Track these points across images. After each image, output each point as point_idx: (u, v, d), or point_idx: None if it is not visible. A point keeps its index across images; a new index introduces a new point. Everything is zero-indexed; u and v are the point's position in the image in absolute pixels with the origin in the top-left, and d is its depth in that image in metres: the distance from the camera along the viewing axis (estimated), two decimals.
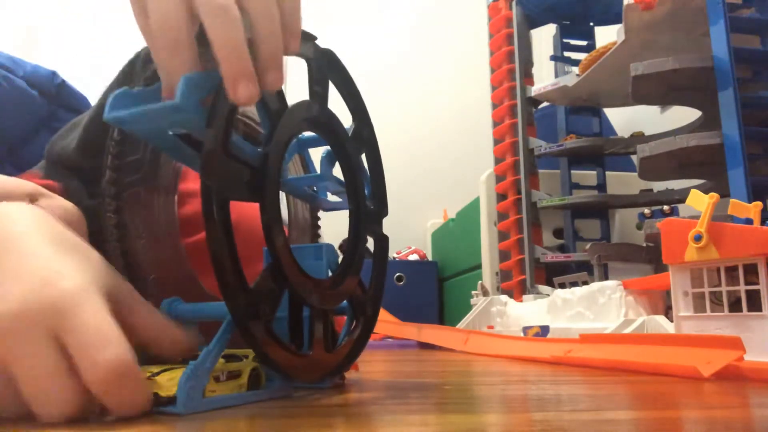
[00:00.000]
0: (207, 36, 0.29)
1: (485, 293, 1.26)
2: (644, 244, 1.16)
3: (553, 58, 1.52)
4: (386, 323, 1.39)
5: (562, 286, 1.19)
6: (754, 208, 0.60)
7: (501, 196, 1.47)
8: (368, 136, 0.44)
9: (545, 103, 1.51)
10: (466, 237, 1.80)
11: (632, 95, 1.05)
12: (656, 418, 0.31)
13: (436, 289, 2.09)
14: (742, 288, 0.55)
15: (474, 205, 1.71)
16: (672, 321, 0.65)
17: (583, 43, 1.49)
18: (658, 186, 1.28)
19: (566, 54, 1.49)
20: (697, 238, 0.58)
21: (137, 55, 0.38)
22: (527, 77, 1.43)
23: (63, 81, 0.64)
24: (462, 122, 2.47)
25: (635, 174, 1.11)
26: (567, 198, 1.33)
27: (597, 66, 1.19)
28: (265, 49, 0.30)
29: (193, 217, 0.44)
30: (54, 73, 0.63)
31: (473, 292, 1.30)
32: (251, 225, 0.36)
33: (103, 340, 0.26)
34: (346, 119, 0.42)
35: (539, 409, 0.33)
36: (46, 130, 0.61)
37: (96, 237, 0.35)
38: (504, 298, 1.17)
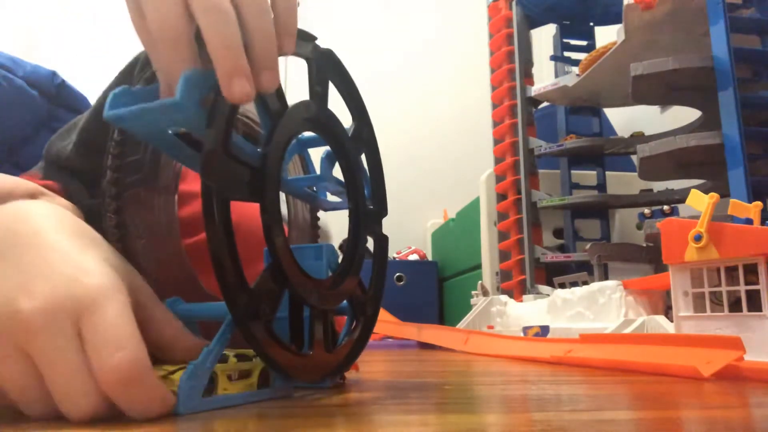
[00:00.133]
0: (202, 35, 0.29)
1: (485, 293, 1.26)
2: (644, 244, 1.16)
3: (553, 58, 1.52)
4: (386, 323, 1.39)
5: (562, 286, 1.19)
6: (754, 208, 0.60)
7: (501, 196, 1.47)
8: (368, 136, 0.44)
9: (545, 103, 1.51)
10: (466, 237, 1.80)
11: (632, 95, 1.05)
12: (656, 418, 0.31)
13: (436, 289, 2.09)
14: (742, 288, 0.55)
15: (474, 205, 1.71)
16: (672, 321, 0.65)
17: (583, 43, 1.49)
18: (658, 186, 1.28)
19: (566, 54, 1.49)
20: (697, 238, 0.58)
21: (136, 58, 0.38)
22: (527, 77, 1.43)
23: (63, 81, 0.64)
24: (462, 122, 2.47)
25: (635, 174, 1.11)
26: (567, 198, 1.33)
27: (597, 66, 1.19)
28: (259, 49, 0.30)
29: (194, 218, 0.44)
30: (54, 73, 0.63)
31: (473, 292, 1.30)
32: (252, 225, 0.36)
33: (117, 342, 0.26)
34: (346, 119, 0.42)
35: (539, 409, 0.33)
36: (46, 130, 0.61)
37: None
38: (504, 298, 1.17)
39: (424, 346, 1.22)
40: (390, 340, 1.43)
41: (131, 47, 0.39)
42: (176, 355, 0.32)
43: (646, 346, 0.59)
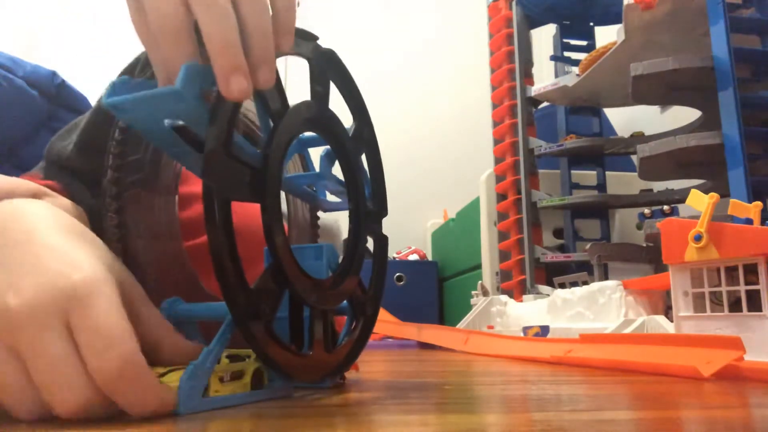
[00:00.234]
0: (200, 31, 0.29)
1: (485, 293, 1.26)
2: (644, 244, 1.16)
3: (553, 58, 1.52)
4: (386, 323, 1.39)
5: (562, 286, 1.19)
6: (754, 208, 0.60)
7: (501, 196, 1.47)
8: (368, 136, 0.44)
9: (545, 103, 1.51)
10: (466, 237, 1.80)
11: (632, 95, 1.05)
12: (656, 418, 0.31)
13: (436, 289, 2.09)
14: (742, 288, 0.55)
15: (474, 205, 1.71)
16: (672, 321, 0.65)
17: (583, 43, 1.49)
18: (658, 186, 1.28)
19: (566, 54, 1.49)
20: (697, 238, 0.58)
21: (137, 59, 0.38)
22: (527, 77, 1.43)
23: (63, 81, 0.64)
24: (462, 122, 2.47)
25: (635, 174, 1.11)
26: (567, 198, 1.33)
27: (597, 66, 1.19)
28: (257, 46, 0.30)
29: (196, 220, 0.44)
30: (54, 73, 0.63)
31: (473, 292, 1.30)
32: (253, 227, 0.36)
33: (110, 339, 0.26)
34: (346, 119, 0.42)
35: (539, 409, 0.33)
36: (46, 130, 0.61)
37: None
38: (504, 298, 1.17)
39: (424, 346, 1.22)
40: (390, 340, 1.43)
41: (131, 47, 0.39)
42: (163, 357, 0.31)
43: (646, 346, 0.59)
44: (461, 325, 1.21)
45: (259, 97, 0.34)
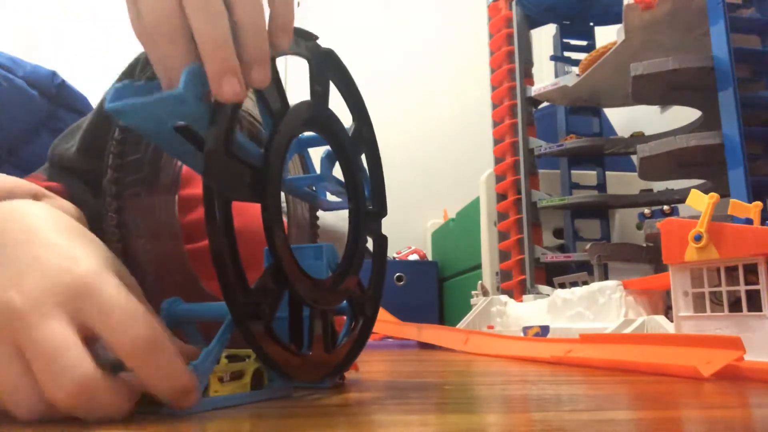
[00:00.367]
0: (193, 33, 0.29)
1: (485, 293, 1.26)
2: (644, 244, 1.16)
3: (553, 58, 1.52)
4: (386, 323, 1.39)
5: (562, 286, 1.19)
6: (754, 208, 0.60)
7: (501, 196, 1.47)
8: (368, 135, 0.44)
9: (545, 103, 1.51)
10: (466, 237, 1.80)
11: (632, 95, 1.05)
12: (656, 418, 0.31)
13: (436, 289, 2.09)
14: (742, 288, 0.55)
15: (474, 205, 1.71)
16: (672, 321, 0.65)
17: (583, 43, 1.49)
18: (658, 186, 1.28)
19: (566, 54, 1.49)
20: (697, 238, 0.58)
21: (137, 59, 0.38)
22: (527, 77, 1.43)
23: (63, 81, 0.64)
24: (462, 122, 2.47)
25: (635, 174, 1.11)
26: (567, 198, 1.33)
27: (597, 66, 1.19)
28: (250, 45, 0.30)
29: (199, 223, 0.44)
30: (54, 73, 0.63)
31: (473, 292, 1.30)
32: (255, 228, 0.36)
33: (130, 317, 0.26)
34: (346, 119, 0.42)
35: (539, 409, 0.33)
36: (46, 130, 0.61)
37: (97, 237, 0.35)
38: (504, 298, 1.17)
39: (424, 346, 1.22)
40: (390, 340, 1.43)
41: (131, 47, 0.39)
42: None
43: (646, 346, 0.59)
44: (461, 325, 1.21)
45: (261, 98, 0.34)
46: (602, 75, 1.22)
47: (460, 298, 1.73)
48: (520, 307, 1.11)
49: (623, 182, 1.42)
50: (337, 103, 0.41)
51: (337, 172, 0.43)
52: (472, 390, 0.45)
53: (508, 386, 0.46)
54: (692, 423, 0.29)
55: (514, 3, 1.45)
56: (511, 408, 0.34)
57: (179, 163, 0.41)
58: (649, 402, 0.37)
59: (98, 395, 0.25)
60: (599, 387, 0.44)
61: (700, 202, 0.59)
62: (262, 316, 0.31)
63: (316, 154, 0.44)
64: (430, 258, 2.28)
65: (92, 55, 2.14)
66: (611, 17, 1.41)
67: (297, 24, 0.36)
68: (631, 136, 1.34)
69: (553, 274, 1.29)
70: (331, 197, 0.46)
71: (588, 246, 1.19)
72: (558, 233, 1.48)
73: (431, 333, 1.20)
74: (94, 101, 0.42)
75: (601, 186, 1.41)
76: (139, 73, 0.37)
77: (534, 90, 1.39)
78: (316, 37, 0.39)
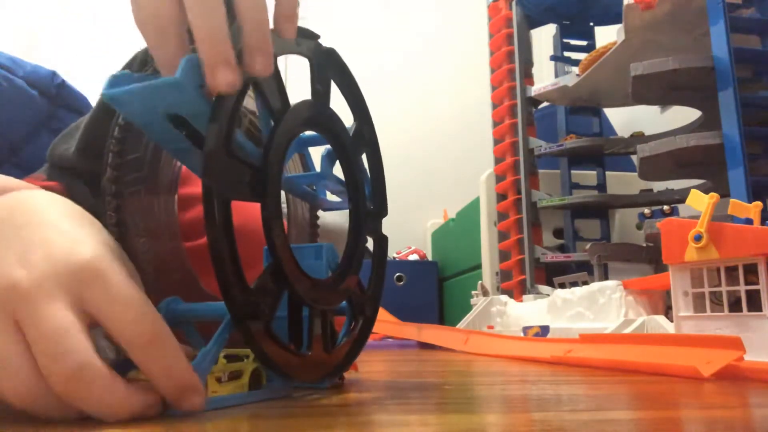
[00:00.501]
0: (189, 24, 0.29)
1: (485, 293, 1.26)
2: (644, 244, 1.16)
3: (553, 58, 1.52)
4: (386, 323, 1.39)
5: (562, 286, 1.19)
6: (754, 208, 0.60)
7: (501, 196, 1.47)
8: (369, 135, 0.44)
9: (545, 103, 1.51)
10: (466, 237, 1.80)
11: (632, 95, 1.05)
12: (656, 418, 0.31)
13: (436, 289, 2.09)
14: (742, 288, 0.55)
15: (474, 205, 1.71)
16: (672, 321, 0.65)
17: (583, 43, 1.49)
18: (658, 186, 1.28)
19: (566, 54, 1.49)
20: (697, 238, 0.58)
21: (134, 57, 0.38)
22: (527, 77, 1.43)
23: (63, 81, 0.64)
24: (462, 122, 2.47)
25: (635, 174, 1.11)
26: (567, 198, 1.33)
27: (597, 66, 1.19)
28: (251, 34, 0.30)
29: (196, 222, 0.44)
30: (54, 73, 0.63)
31: (473, 292, 1.30)
32: (255, 228, 0.36)
33: (134, 307, 0.26)
34: (347, 118, 0.42)
35: (539, 409, 0.33)
36: (46, 131, 0.61)
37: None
38: (504, 298, 1.17)
39: (424, 346, 1.22)
40: (390, 340, 1.43)
41: (131, 47, 0.39)
42: None
43: (646, 346, 0.59)
44: (461, 325, 1.21)
45: (260, 95, 0.34)
46: (602, 75, 1.22)
47: (460, 298, 1.73)
48: (520, 307, 1.11)
49: (623, 182, 1.42)
50: (338, 103, 0.41)
51: (338, 171, 0.43)
52: (472, 390, 0.45)
53: (508, 386, 0.46)
54: (692, 423, 0.29)
55: (514, 3, 1.45)
56: (511, 408, 0.34)
57: (179, 162, 0.41)
58: (649, 402, 0.37)
59: (94, 384, 0.25)
60: (599, 387, 0.44)
61: (700, 202, 0.59)
62: (262, 315, 0.31)
63: (317, 153, 0.44)
64: (430, 258, 2.28)
65: (92, 55, 2.14)
66: (611, 17, 1.41)
67: (297, 23, 0.36)
68: (631, 136, 1.34)
69: (553, 274, 1.29)
70: (331, 197, 0.46)
71: (588, 246, 1.19)
72: (558, 233, 1.48)
73: (431, 333, 1.20)
74: (94, 101, 0.42)
75: (601, 186, 1.41)
76: (136, 71, 0.37)
77: (534, 90, 1.39)
78: (318, 36, 0.39)
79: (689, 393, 0.41)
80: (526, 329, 0.97)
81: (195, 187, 0.45)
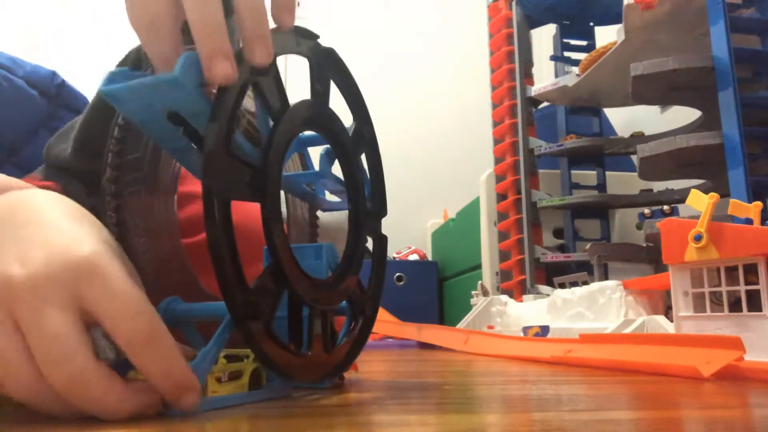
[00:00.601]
0: (187, 18, 0.29)
1: (485, 293, 1.26)
2: (644, 244, 1.16)
3: (553, 58, 1.52)
4: (386, 323, 1.39)
5: (562, 286, 1.19)
6: (754, 208, 0.60)
7: (501, 196, 1.47)
8: (369, 135, 0.44)
9: (545, 103, 1.51)
10: (466, 237, 1.80)
11: (632, 95, 1.05)
12: (656, 418, 0.31)
13: (436, 289, 2.09)
14: (742, 288, 0.55)
15: (474, 205, 1.71)
16: (672, 321, 0.65)
17: (583, 43, 1.49)
18: (658, 186, 1.28)
19: (566, 54, 1.49)
20: (697, 238, 0.58)
21: (127, 56, 0.38)
22: (527, 77, 1.43)
23: (63, 81, 0.63)
24: (462, 122, 2.47)
25: (635, 174, 1.11)
26: (567, 198, 1.33)
27: (597, 66, 1.19)
28: (249, 25, 0.30)
29: (192, 219, 0.44)
30: (54, 73, 0.63)
31: (473, 292, 1.30)
32: (252, 225, 0.35)
33: (132, 306, 0.26)
34: (346, 118, 0.42)
35: (539, 409, 0.33)
36: (46, 130, 0.61)
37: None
38: (504, 298, 1.17)
39: (424, 346, 1.22)
40: (390, 340, 1.43)
41: (131, 47, 0.39)
42: None
43: (646, 346, 0.59)
44: (461, 325, 1.21)
45: (260, 96, 0.34)
46: (602, 75, 1.22)
47: (460, 298, 1.73)
48: (520, 307, 1.11)
49: (623, 182, 1.42)
50: (337, 103, 0.41)
51: (337, 171, 0.43)
52: (472, 390, 0.45)
53: (508, 386, 0.46)
54: (692, 423, 0.29)
55: (514, 3, 1.45)
56: (511, 408, 0.34)
57: (177, 161, 0.40)
58: (649, 402, 0.37)
59: (91, 388, 0.25)
60: (599, 387, 0.44)
61: (700, 202, 0.59)
62: (262, 315, 0.31)
63: (316, 153, 0.44)
64: (430, 258, 2.28)
65: (92, 55, 2.14)
66: (611, 17, 1.41)
67: (297, 24, 0.36)
68: (631, 136, 1.34)
69: (553, 274, 1.29)
70: (330, 197, 0.46)
71: (588, 246, 1.19)
72: (558, 233, 1.48)
73: (431, 333, 1.20)
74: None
75: (601, 186, 1.41)
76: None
77: (534, 90, 1.39)
78: (317, 36, 0.39)
79: (689, 393, 0.41)
80: (526, 329, 0.97)
81: (192, 185, 0.45)
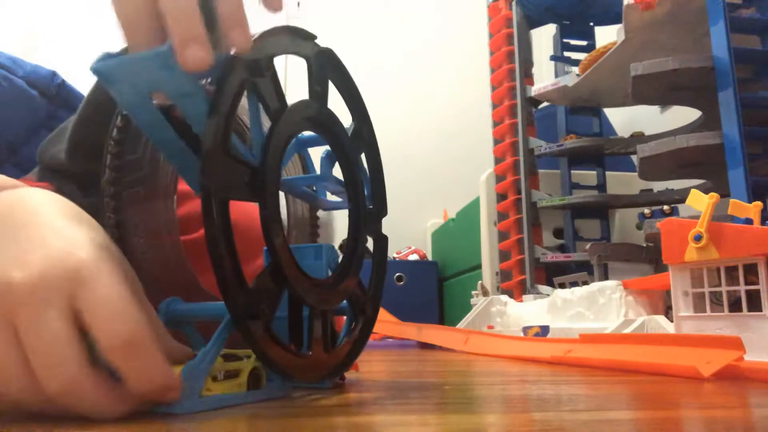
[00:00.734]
0: (159, 6, 0.29)
1: (485, 293, 1.26)
2: (644, 244, 1.16)
3: (553, 58, 1.52)
4: (386, 323, 1.39)
5: (562, 286, 1.19)
6: (754, 208, 0.60)
7: (501, 196, 1.47)
8: (368, 135, 0.44)
9: (545, 103, 1.51)
10: (466, 237, 1.80)
11: (632, 95, 1.05)
12: (656, 418, 0.31)
13: (436, 289, 2.09)
14: (742, 288, 0.55)
15: (474, 205, 1.71)
16: (672, 321, 0.65)
17: (583, 43, 1.49)
18: (658, 186, 1.28)
19: (566, 54, 1.49)
20: (697, 238, 0.58)
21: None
22: (527, 77, 1.43)
23: (63, 81, 0.63)
24: (462, 122, 2.47)
25: (635, 174, 1.11)
26: (567, 198, 1.33)
27: (597, 66, 1.19)
28: (224, 11, 0.30)
29: (190, 216, 0.44)
30: (54, 73, 0.63)
31: (473, 292, 1.30)
32: (250, 222, 0.35)
33: (116, 313, 0.26)
34: (345, 118, 0.42)
35: (539, 409, 0.33)
36: (46, 130, 0.61)
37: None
38: (504, 298, 1.17)
39: (424, 346, 1.22)
40: (390, 340, 1.43)
41: None
42: None
43: (646, 346, 0.59)
44: (461, 325, 1.21)
45: (258, 96, 0.34)
46: (602, 75, 1.22)
47: (460, 298, 1.73)
48: (520, 307, 1.11)
49: (623, 182, 1.42)
50: (336, 103, 0.41)
51: (337, 171, 0.43)
52: (472, 390, 0.45)
53: (508, 386, 0.46)
54: (692, 423, 0.29)
55: (514, 3, 1.45)
56: (511, 408, 0.34)
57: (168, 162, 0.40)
58: (649, 402, 0.37)
59: (84, 395, 0.25)
60: (599, 387, 0.44)
61: (700, 202, 0.59)
62: (262, 315, 0.31)
63: (316, 154, 0.44)
64: (430, 258, 2.28)
65: (92, 55, 2.14)
66: (611, 17, 1.41)
67: (297, 24, 0.36)
68: (631, 136, 1.34)
69: (553, 274, 1.29)
70: (330, 197, 0.46)
71: (588, 246, 1.19)
72: (558, 233, 1.49)
73: (431, 333, 1.20)
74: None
75: (601, 186, 1.41)
76: None
77: (534, 90, 1.39)
78: (315, 37, 0.39)
79: (689, 393, 0.41)
80: (526, 329, 0.97)
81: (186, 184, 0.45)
